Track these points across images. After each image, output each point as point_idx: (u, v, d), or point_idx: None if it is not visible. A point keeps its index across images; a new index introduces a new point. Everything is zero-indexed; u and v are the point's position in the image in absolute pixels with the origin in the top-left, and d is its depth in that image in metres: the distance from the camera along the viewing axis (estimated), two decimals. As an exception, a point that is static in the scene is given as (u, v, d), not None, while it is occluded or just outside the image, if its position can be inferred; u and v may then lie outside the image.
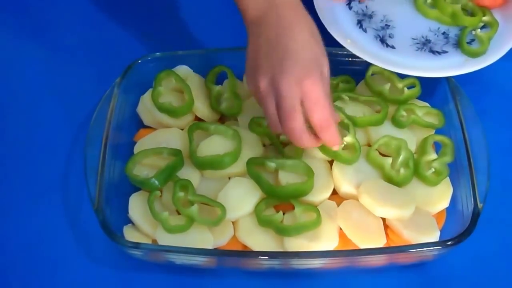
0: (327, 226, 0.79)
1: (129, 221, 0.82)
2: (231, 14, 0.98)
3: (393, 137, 0.85)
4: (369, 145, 0.87)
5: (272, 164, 0.82)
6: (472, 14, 0.91)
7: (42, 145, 0.93)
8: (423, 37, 0.90)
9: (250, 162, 0.82)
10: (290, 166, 0.82)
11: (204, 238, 0.79)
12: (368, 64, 0.87)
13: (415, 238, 0.79)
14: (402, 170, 0.83)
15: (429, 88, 0.90)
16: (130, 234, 0.80)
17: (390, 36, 0.89)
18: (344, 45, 0.86)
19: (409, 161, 0.83)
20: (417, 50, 0.88)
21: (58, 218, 0.86)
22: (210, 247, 0.78)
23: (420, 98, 0.91)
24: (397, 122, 0.87)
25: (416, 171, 0.83)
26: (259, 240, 0.79)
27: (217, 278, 0.81)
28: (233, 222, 0.81)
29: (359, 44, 0.88)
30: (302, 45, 0.72)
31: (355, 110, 0.88)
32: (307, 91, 0.70)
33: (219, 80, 0.92)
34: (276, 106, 0.72)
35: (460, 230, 0.76)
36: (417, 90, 0.90)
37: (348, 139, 0.84)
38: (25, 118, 0.96)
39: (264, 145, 0.87)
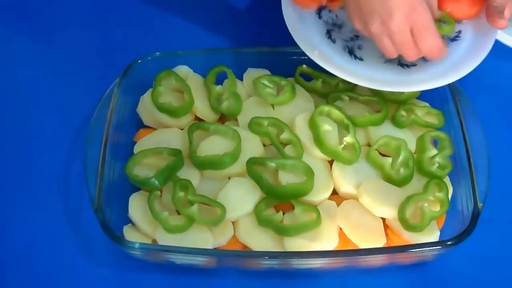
0: (327, 226, 0.79)
1: (129, 221, 0.82)
2: (231, 14, 0.99)
3: (393, 137, 0.85)
4: (369, 145, 0.87)
5: (272, 164, 0.82)
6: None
7: (42, 145, 0.93)
8: None
9: (250, 162, 0.82)
10: (290, 166, 0.82)
11: (204, 238, 0.79)
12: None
13: (415, 238, 0.79)
14: (402, 170, 0.83)
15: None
16: (130, 234, 0.80)
17: (359, 48, 0.86)
18: (311, 57, 0.83)
19: (409, 161, 0.83)
20: (385, 62, 0.85)
21: (58, 218, 0.86)
22: (210, 247, 0.78)
23: (420, 98, 0.91)
24: (397, 122, 0.87)
25: (421, 168, 0.83)
26: (259, 240, 0.79)
27: (217, 278, 0.81)
28: (233, 222, 0.81)
29: (326, 56, 0.84)
30: None
31: (355, 110, 0.88)
32: (415, 22, 0.75)
33: (219, 80, 0.92)
34: (391, 40, 0.77)
35: (460, 230, 0.76)
36: (417, 90, 0.90)
37: (348, 139, 0.84)
38: (25, 118, 0.96)
39: (264, 145, 0.87)
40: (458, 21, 0.86)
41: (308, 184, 0.80)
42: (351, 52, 0.86)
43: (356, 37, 0.88)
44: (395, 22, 0.75)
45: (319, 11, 0.90)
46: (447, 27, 0.85)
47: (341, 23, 0.89)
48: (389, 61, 0.85)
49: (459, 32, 0.86)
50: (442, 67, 0.83)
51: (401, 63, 0.85)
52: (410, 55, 0.78)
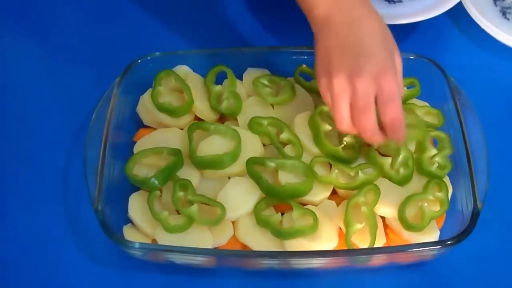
0: (327, 226, 0.79)
1: (128, 220, 0.82)
2: (231, 14, 0.99)
3: (393, 137, 0.85)
4: (369, 145, 0.87)
5: (272, 164, 0.82)
6: None
7: (42, 145, 0.93)
8: None
9: (250, 162, 0.82)
10: (290, 166, 0.82)
11: (203, 238, 0.79)
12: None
13: (415, 238, 0.79)
14: (401, 170, 0.83)
15: (429, 88, 0.90)
16: (129, 234, 0.80)
17: None
18: None
19: (408, 160, 0.83)
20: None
21: (58, 218, 0.86)
22: (209, 246, 0.78)
23: (420, 97, 0.91)
24: (396, 122, 0.87)
25: (421, 168, 0.83)
26: (258, 240, 0.79)
27: (217, 278, 0.81)
28: (232, 222, 0.81)
29: None
30: (375, 41, 0.73)
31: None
32: (383, 88, 0.71)
33: (219, 80, 0.92)
34: (350, 103, 0.72)
35: (460, 229, 0.75)
36: (416, 90, 0.90)
37: (348, 139, 0.84)
38: (25, 118, 0.96)
39: (264, 145, 0.87)
40: None
41: (307, 185, 0.80)
42: None
43: None
44: (362, 80, 0.70)
45: None
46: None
47: None
48: None
49: None
50: (427, 2, 0.91)
51: None
52: (367, 127, 0.72)
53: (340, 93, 0.72)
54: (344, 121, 0.74)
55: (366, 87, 0.71)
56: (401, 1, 0.92)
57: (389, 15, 0.89)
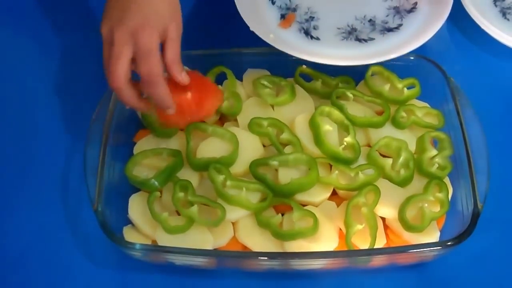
0: (327, 227, 0.79)
1: (128, 221, 0.82)
2: (231, 15, 0.98)
3: (393, 138, 0.85)
4: (369, 146, 0.87)
5: (275, 163, 0.82)
6: None
7: (42, 145, 0.93)
8: (348, 25, 0.89)
9: (254, 165, 0.82)
10: (292, 160, 0.82)
11: (204, 239, 0.79)
12: (367, 64, 0.87)
13: (415, 239, 0.79)
14: (402, 171, 0.83)
15: (429, 88, 0.90)
16: (129, 235, 0.80)
17: (315, 28, 0.89)
18: (266, 41, 0.85)
19: (409, 162, 0.83)
20: (342, 39, 0.88)
21: (58, 218, 0.86)
22: (210, 247, 0.78)
23: (420, 98, 0.91)
24: (397, 123, 0.87)
25: (421, 169, 0.83)
26: (259, 241, 0.79)
27: (217, 278, 0.81)
28: (233, 223, 0.81)
29: (282, 39, 0.87)
30: (148, 1, 0.74)
31: (356, 109, 0.88)
32: (138, 42, 0.72)
33: (219, 81, 0.92)
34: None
35: (460, 230, 0.75)
36: (416, 90, 0.90)
37: (348, 139, 0.84)
38: (25, 118, 0.96)
39: (264, 146, 0.87)
40: None
41: (312, 176, 0.80)
42: (307, 33, 0.89)
43: (312, 18, 0.91)
44: (119, 32, 0.72)
45: None
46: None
47: (295, 6, 0.92)
48: (346, 38, 0.88)
49: (415, 3, 0.91)
50: (400, 39, 0.87)
51: (358, 38, 0.88)
52: (113, 73, 0.73)
53: (104, 43, 0.74)
54: (104, 69, 0.74)
55: (119, 38, 0.72)
56: (373, 39, 0.88)
57: (361, 55, 0.86)
